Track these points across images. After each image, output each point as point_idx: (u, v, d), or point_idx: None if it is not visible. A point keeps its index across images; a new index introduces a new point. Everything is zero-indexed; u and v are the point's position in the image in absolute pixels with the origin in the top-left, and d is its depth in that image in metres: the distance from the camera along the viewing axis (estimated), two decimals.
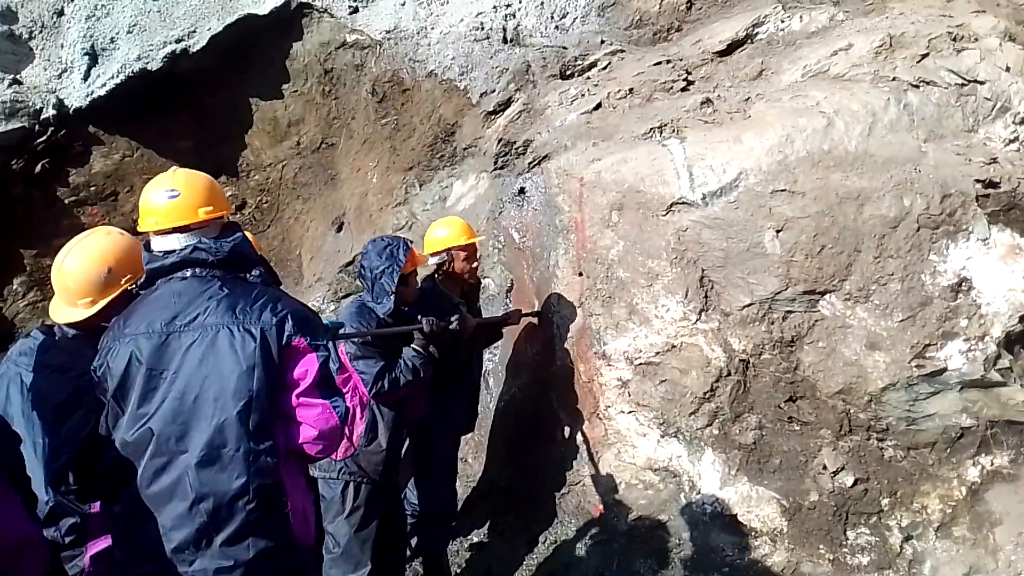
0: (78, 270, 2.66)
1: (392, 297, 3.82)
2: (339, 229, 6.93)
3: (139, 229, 2.44)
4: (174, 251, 2.33)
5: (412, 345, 3.89)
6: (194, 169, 7.16)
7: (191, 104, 7.16)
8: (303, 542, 2.30)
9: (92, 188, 7.28)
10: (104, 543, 2.44)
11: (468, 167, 5.96)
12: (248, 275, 2.40)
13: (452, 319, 4.04)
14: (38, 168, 7.10)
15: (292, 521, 2.24)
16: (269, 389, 2.20)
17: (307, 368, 2.25)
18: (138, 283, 2.53)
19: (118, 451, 2.19)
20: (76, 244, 2.73)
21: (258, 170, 7.39)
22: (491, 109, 5.81)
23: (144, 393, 2.16)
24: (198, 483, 2.10)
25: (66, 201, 7.28)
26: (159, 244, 2.37)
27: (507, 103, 5.78)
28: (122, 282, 2.67)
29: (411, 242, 4.04)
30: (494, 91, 5.86)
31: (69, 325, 2.68)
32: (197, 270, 2.32)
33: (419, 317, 3.90)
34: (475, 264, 4.56)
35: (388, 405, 3.83)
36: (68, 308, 2.67)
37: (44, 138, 7.00)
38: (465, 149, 6.00)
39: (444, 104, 6.12)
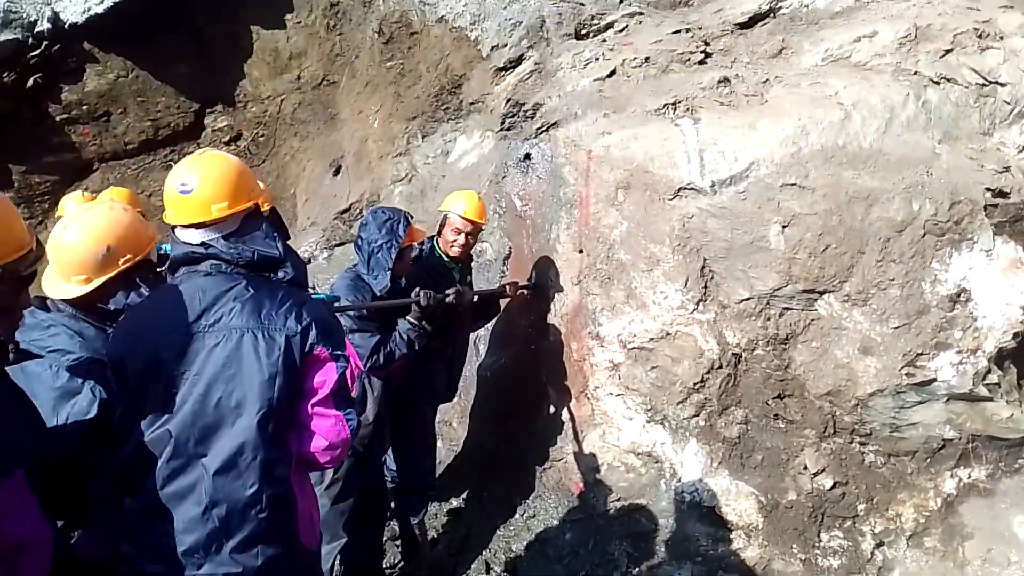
0: (76, 245, 2.52)
1: (389, 273, 3.75)
2: (336, 172, 6.81)
3: (165, 218, 2.37)
4: (193, 245, 2.29)
5: (408, 318, 3.84)
6: (189, 98, 6.93)
7: (190, 28, 6.94)
8: (308, 547, 2.33)
9: (84, 107, 7.10)
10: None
11: (474, 123, 5.81)
12: (273, 275, 2.34)
13: (449, 292, 3.98)
14: (30, 83, 6.90)
15: (299, 527, 2.26)
16: (288, 397, 2.19)
17: (326, 378, 2.24)
18: (160, 267, 2.47)
19: (134, 444, 2.16)
20: (77, 217, 2.62)
21: (256, 102, 7.20)
22: (501, 65, 5.63)
23: (165, 392, 2.13)
24: (213, 489, 2.10)
25: (57, 118, 7.11)
26: (180, 235, 2.33)
27: (518, 60, 5.60)
28: (120, 262, 2.57)
29: (411, 217, 3.95)
30: (506, 45, 5.67)
31: (64, 302, 2.59)
32: (221, 265, 2.27)
33: (417, 290, 3.85)
34: (465, 242, 4.40)
35: (379, 377, 3.81)
36: (62, 283, 2.57)
37: (37, 52, 6.77)
38: (472, 104, 5.84)
39: (453, 53, 5.93)
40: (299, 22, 6.81)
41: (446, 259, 4.42)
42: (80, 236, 2.56)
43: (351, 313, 3.70)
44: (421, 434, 4.35)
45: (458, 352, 4.51)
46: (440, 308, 3.95)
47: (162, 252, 2.72)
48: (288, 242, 4.01)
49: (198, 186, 2.29)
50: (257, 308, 2.20)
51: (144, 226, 2.82)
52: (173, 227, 2.37)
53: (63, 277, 2.57)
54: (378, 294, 3.78)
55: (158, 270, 2.76)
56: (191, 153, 6.87)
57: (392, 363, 3.76)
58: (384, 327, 3.80)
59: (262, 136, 7.20)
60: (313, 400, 2.25)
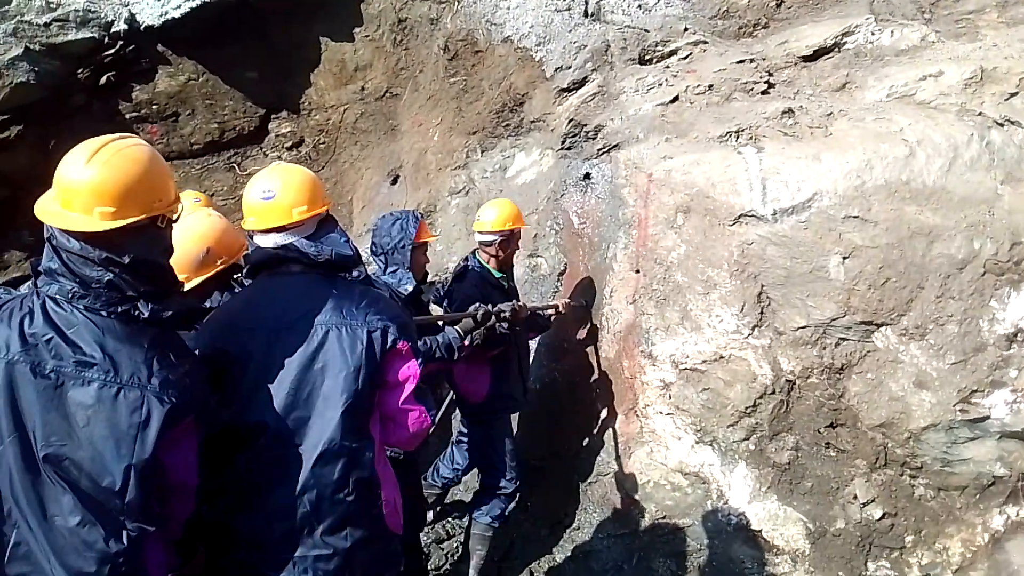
0: (178, 246, 2.66)
1: (409, 271, 3.80)
2: (394, 182, 6.96)
3: (244, 225, 2.52)
4: (273, 248, 2.41)
5: (457, 327, 3.89)
6: (255, 103, 7.14)
7: (261, 36, 7.15)
8: (394, 531, 2.44)
9: (154, 106, 7.33)
10: None
11: (533, 141, 5.93)
12: (348, 274, 2.46)
13: (504, 308, 4.06)
14: (103, 80, 7.14)
15: (385, 511, 2.37)
16: (371, 388, 2.31)
17: (410, 374, 2.38)
18: (240, 272, 2.60)
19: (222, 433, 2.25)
20: (177, 225, 2.78)
21: (319, 110, 7.40)
22: (565, 86, 5.74)
23: (255, 385, 2.23)
24: (305, 475, 2.20)
25: (127, 116, 7.34)
26: (259, 240, 2.46)
27: (582, 82, 5.71)
28: (218, 263, 2.73)
29: (420, 215, 4.02)
30: (570, 67, 5.78)
31: None
32: (301, 267, 2.39)
33: (477, 305, 3.94)
34: (497, 253, 4.55)
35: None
36: None
37: (112, 51, 7.02)
38: (532, 122, 5.96)
39: (516, 72, 6.06)
40: (367, 36, 7.01)
41: (495, 272, 4.55)
42: (182, 238, 2.70)
43: None
44: (502, 441, 4.43)
45: (523, 360, 4.62)
46: (496, 322, 4.04)
47: None
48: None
49: (280, 192, 2.43)
50: (339, 305, 2.32)
51: (237, 232, 2.99)
52: (251, 235, 2.51)
53: None
54: (404, 296, 3.78)
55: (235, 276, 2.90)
56: (254, 156, 7.07)
57: (427, 363, 3.76)
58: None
59: (323, 143, 7.39)
60: (403, 396, 2.38)
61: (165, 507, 1.95)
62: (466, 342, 3.88)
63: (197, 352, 2.33)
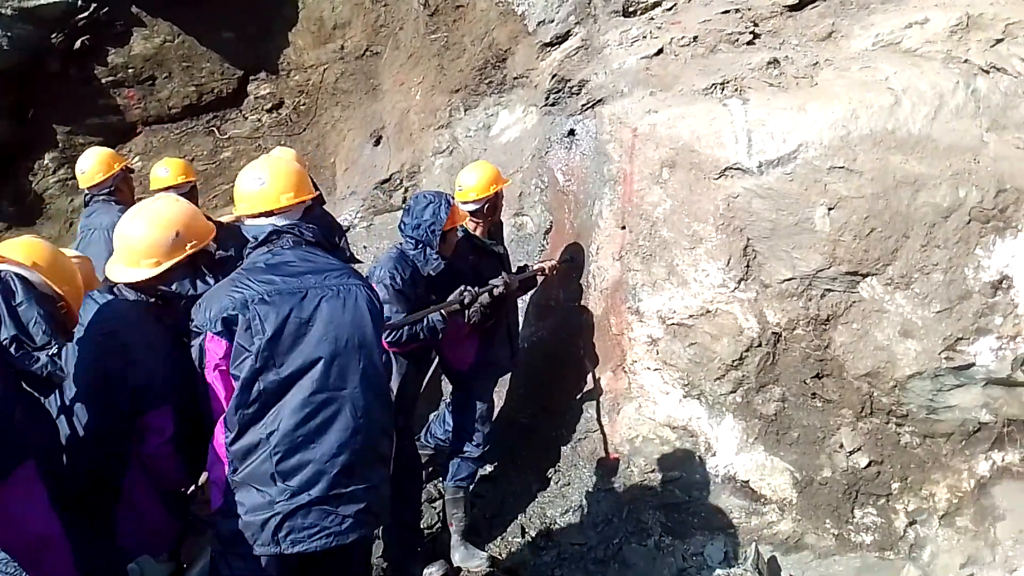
0: (149, 231, 2.70)
1: (437, 256, 3.93)
2: (377, 143, 6.87)
3: (235, 212, 2.80)
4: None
5: (443, 311, 3.92)
6: (233, 65, 7.09)
7: None
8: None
9: (130, 70, 7.20)
10: None
11: (517, 98, 5.85)
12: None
13: (496, 284, 4.09)
14: (77, 44, 7.00)
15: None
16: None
17: None
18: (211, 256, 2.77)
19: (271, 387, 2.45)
20: (145, 207, 2.83)
21: (299, 70, 7.28)
22: (548, 40, 5.65)
23: (294, 340, 2.46)
24: (357, 416, 2.48)
25: (103, 81, 7.22)
26: (250, 227, 2.70)
27: (565, 36, 5.62)
28: (187, 247, 2.72)
29: (453, 199, 4.05)
30: (553, 21, 5.68)
31: (129, 285, 2.71)
32: (301, 241, 2.65)
33: (462, 289, 3.98)
34: (479, 222, 4.51)
35: (403, 355, 3.96)
36: (130, 268, 2.69)
37: (86, 15, 6.87)
38: (516, 79, 5.87)
39: (498, 28, 5.95)
40: None
41: (485, 240, 4.53)
42: (152, 222, 2.74)
43: (385, 284, 3.79)
44: (480, 405, 4.43)
45: (512, 325, 4.62)
46: (487, 300, 4.08)
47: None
48: (323, 207, 4.24)
49: (269, 179, 2.69)
50: (348, 271, 2.64)
51: (205, 218, 3.03)
52: (242, 222, 2.75)
53: (131, 263, 2.70)
54: (432, 274, 3.97)
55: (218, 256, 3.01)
56: (233, 119, 6.97)
57: (413, 343, 3.85)
58: (416, 306, 3.88)
59: (304, 105, 7.28)
60: None
61: (40, 568, 1.96)
62: (471, 314, 4.04)
63: (224, 316, 2.43)
